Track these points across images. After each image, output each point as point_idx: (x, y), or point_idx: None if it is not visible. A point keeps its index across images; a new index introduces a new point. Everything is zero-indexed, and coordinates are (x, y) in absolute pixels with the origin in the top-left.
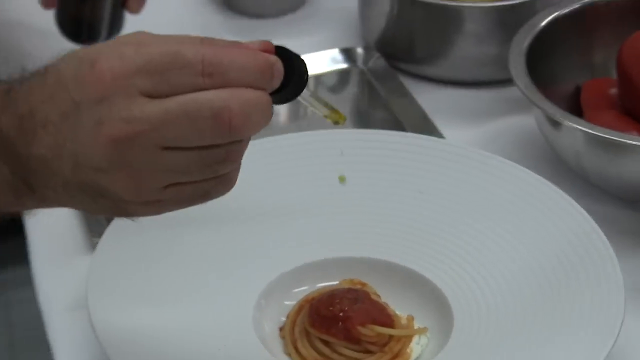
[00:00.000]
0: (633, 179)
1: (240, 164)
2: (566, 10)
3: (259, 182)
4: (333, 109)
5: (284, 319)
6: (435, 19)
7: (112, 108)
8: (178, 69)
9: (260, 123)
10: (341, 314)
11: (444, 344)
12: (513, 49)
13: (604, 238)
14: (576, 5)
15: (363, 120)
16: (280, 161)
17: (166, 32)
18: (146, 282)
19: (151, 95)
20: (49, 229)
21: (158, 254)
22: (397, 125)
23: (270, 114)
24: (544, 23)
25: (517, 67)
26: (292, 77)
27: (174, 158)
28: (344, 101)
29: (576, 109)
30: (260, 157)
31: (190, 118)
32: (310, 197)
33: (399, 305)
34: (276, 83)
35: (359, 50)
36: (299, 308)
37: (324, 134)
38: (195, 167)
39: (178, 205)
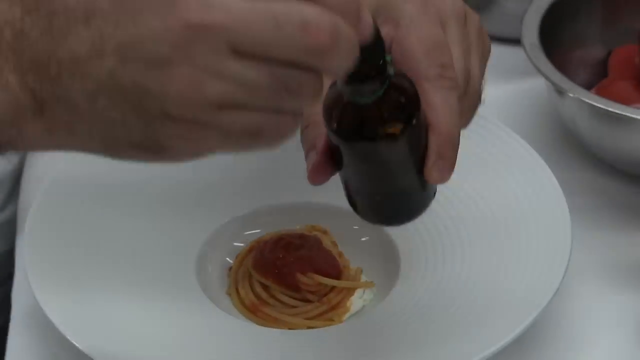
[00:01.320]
0: (628, 150)
1: (302, 115)
2: None
3: None
4: None
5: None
6: None
7: None
8: None
9: (346, 58)
10: (282, 260)
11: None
12: (531, 9)
13: (563, 198)
14: None
15: None
16: None
17: None
18: (85, 234)
19: None
20: None
21: (100, 203)
22: None
23: (353, 57)
24: None
25: (530, 26)
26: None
27: (244, 67)
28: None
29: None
30: None
31: (277, 21)
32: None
33: (356, 257)
34: (364, 32)
35: None
36: (249, 249)
37: None
38: (263, 86)
39: (223, 140)
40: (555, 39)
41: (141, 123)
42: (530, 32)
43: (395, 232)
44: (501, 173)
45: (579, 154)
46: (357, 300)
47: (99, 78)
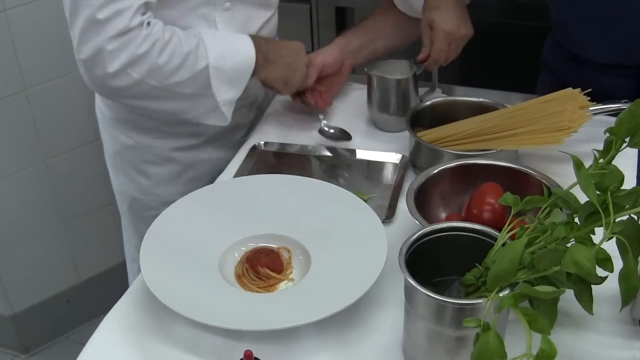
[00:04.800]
0: None
1: None
2: (445, 166)
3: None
4: None
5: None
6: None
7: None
8: None
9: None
10: (255, 259)
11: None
12: (411, 184)
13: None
14: (452, 164)
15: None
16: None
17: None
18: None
19: None
20: None
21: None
22: None
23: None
24: (434, 172)
25: (409, 194)
26: None
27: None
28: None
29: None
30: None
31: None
32: (268, 208)
33: (298, 263)
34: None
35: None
36: (248, 253)
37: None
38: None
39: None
40: (425, 200)
41: (290, 76)
42: (410, 198)
43: (314, 251)
44: (365, 233)
45: None
46: (284, 285)
47: (288, 60)
